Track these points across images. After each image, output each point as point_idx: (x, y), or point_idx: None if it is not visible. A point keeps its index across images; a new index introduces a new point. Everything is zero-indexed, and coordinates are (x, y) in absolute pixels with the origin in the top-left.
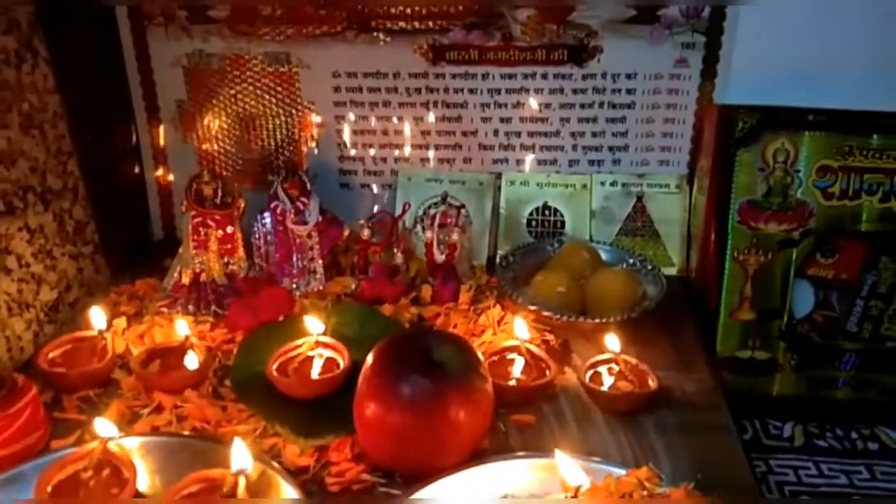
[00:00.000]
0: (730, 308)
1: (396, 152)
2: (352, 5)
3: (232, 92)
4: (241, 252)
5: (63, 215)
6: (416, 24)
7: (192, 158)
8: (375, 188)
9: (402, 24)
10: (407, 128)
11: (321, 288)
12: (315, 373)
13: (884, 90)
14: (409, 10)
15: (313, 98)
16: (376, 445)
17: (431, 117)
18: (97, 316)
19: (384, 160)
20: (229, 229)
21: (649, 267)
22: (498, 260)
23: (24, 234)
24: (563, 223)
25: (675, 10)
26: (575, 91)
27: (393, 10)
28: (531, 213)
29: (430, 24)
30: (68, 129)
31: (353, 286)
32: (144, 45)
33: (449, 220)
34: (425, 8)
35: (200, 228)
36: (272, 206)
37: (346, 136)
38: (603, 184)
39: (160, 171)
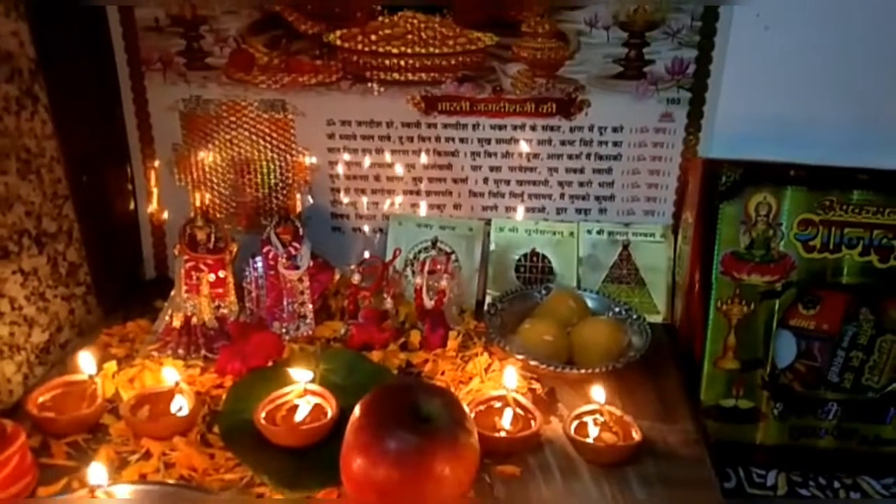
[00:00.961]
0: (714, 357)
1: (388, 198)
2: (347, 57)
3: (227, 137)
4: (232, 296)
5: (57, 257)
6: (410, 76)
7: (186, 200)
8: (367, 232)
9: (395, 75)
10: (399, 174)
11: (311, 332)
12: (303, 420)
13: (863, 146)
14: (402, 63)
15: (307, 144)
16: (362, 499)
17: (423, 165)
18: (87, 361)
19: (376, 205)
20: (221, 273)
21: (634, 316)
22: (486, 307)
23: (18, 276)
24: (551, 269)
25: (661, 66)
26: (563, 142)
27: (387, 62)
28: (520, 260)
29: (423, 76)
30: (65, 172)
31: (343, 331)
32: (142, 89)
33: (439, 266)
34: (418, 61)
35: (193, 272)
36: (264, 250)
37: (340, 181)
38: (590, 232)
39: (154, 212)
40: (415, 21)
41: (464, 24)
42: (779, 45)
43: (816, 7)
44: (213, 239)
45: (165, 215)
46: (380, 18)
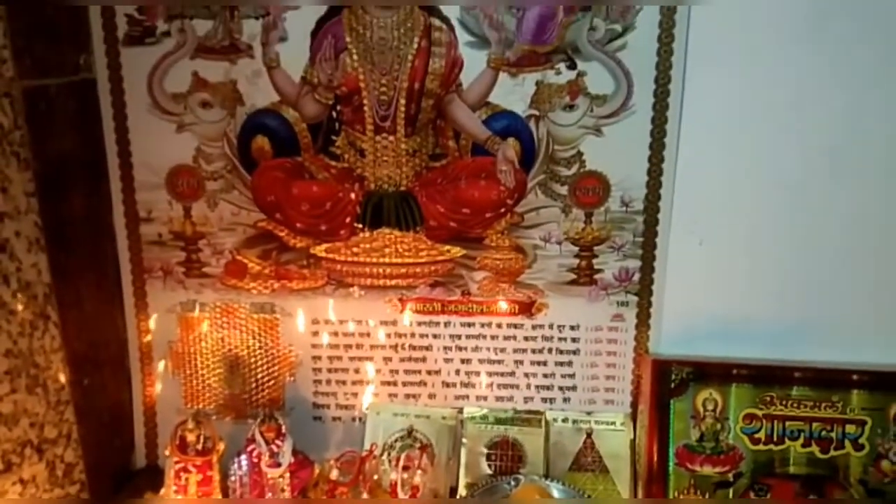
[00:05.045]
0: None
1: (367, 388)
2: (331, 266)
3: (219, 335)
4: (217, 494)
5: (55, 461)
6: (387, 282)
7: (178, 392)
8: (346, 421)
9: (374, 281)
10: (377, 367)
11: None
12: None
13: (798, 342)
14: (381, 271)
15: (293, 341)
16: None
17: (399, 358)
18: None
19: (355, 395)
20: (209, 473)
21: None
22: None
23: (18, 486)
24: (520, 457)
25: (610, 275)
26: (526, 338)
27: (367, 270)
28: (491, 447)
29: (400, 281)
30: (68, 380)
31: None
32: (143, 294)
33: (413, 461)
34: (395, 269)
35: (182, 474)
36: (248, 449)
37: (322, 374)
38: (555, 420)
39: (147, 403)
40: (392, 237)
41: (435, 240)
42: (713, 255)
43: (746, 222)
44: (202, 440)
45: (157, 408)
46: (361, 234)
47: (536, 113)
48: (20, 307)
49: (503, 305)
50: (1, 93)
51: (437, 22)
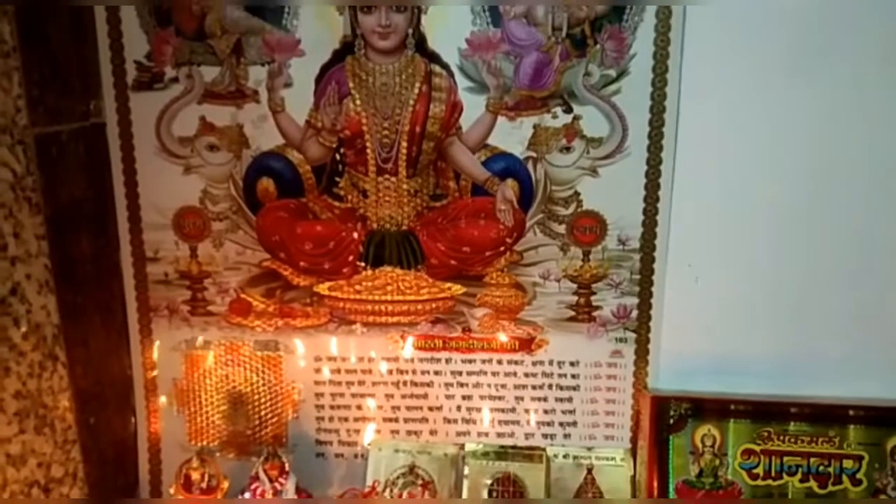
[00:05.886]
0: None
1: (369, 425)
2: (334, 304)
3: (224, 372)
4: None
5: (62, 501)
6: (389, 319)
7: (182, 429)
8: (349, 457)
9: (377, 318)
10: (379, 404)
11: None
12: None
13: (794, 377)
14: (383, 308)
15: (296, 378)
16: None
17: (401, 395)
18: None
19: (357, 432)
20: None
21: None
22: None
23: None
24: (522, 493)
25: (608, 311)
26: (526, 374)
27: (370, 308)
28: (492, 483)
29: (401, 318)
30: (75, 419)
31: None
32: (149, 332)
33: (415, 498)
34: (397, 307)
35: None
36: (252, 487)
37: (325, 411)
38: (556, 456)
39: (152, 440)
40: (394, 275)
41: (435, 277)
42: (709, 292)
43: (741, 258)
44: (207, 478)
45: (162, 445)
46: (363, 272)
47: (534, 155)
48: (30, 349)
49: (503, 342)
50: (15, 141)
51: (437, 68)
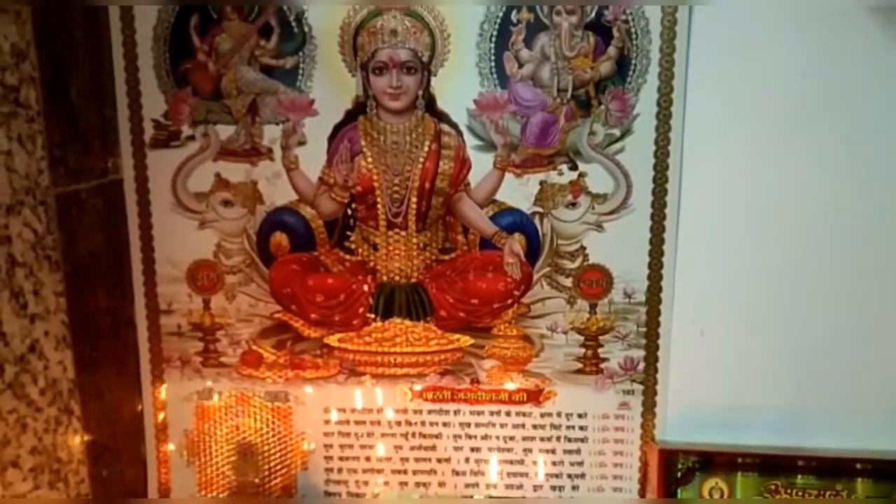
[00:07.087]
0: None
1: (378, 476)
2: (344, 355)
3: (234, 423)
4: None
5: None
6: (398, 370)
7: (193, 480)
8: None
9: (386, 369)
10: (388, 455)
11: None
12: None
13: (801, 429)
14: (392, 360)
15: (306, 429)
16: None
17: (410, 446)
18: None
19: (366, 483)
20: None
21: None
22: None
23: None
24: None
25: (615, 363)
26: (535, 426)
27: (379, 359)
28: None
29: (410, 370)
30: (88, 472)
31: None
32: (161, 383)
33: None
34: (406, 358)
35: None
36: None
37: (334, 461)
38: None
39: (162, 491)
40: (403, 326)
41: (444, 329)
42: (715, 344)
43: (746, 311)
44: None
45: (173, 495)
46: (373, 324)
47: (541, 210)
48: (46, 404)
49: (512, 393)
50: (37, 202)
51: (446, 127)
